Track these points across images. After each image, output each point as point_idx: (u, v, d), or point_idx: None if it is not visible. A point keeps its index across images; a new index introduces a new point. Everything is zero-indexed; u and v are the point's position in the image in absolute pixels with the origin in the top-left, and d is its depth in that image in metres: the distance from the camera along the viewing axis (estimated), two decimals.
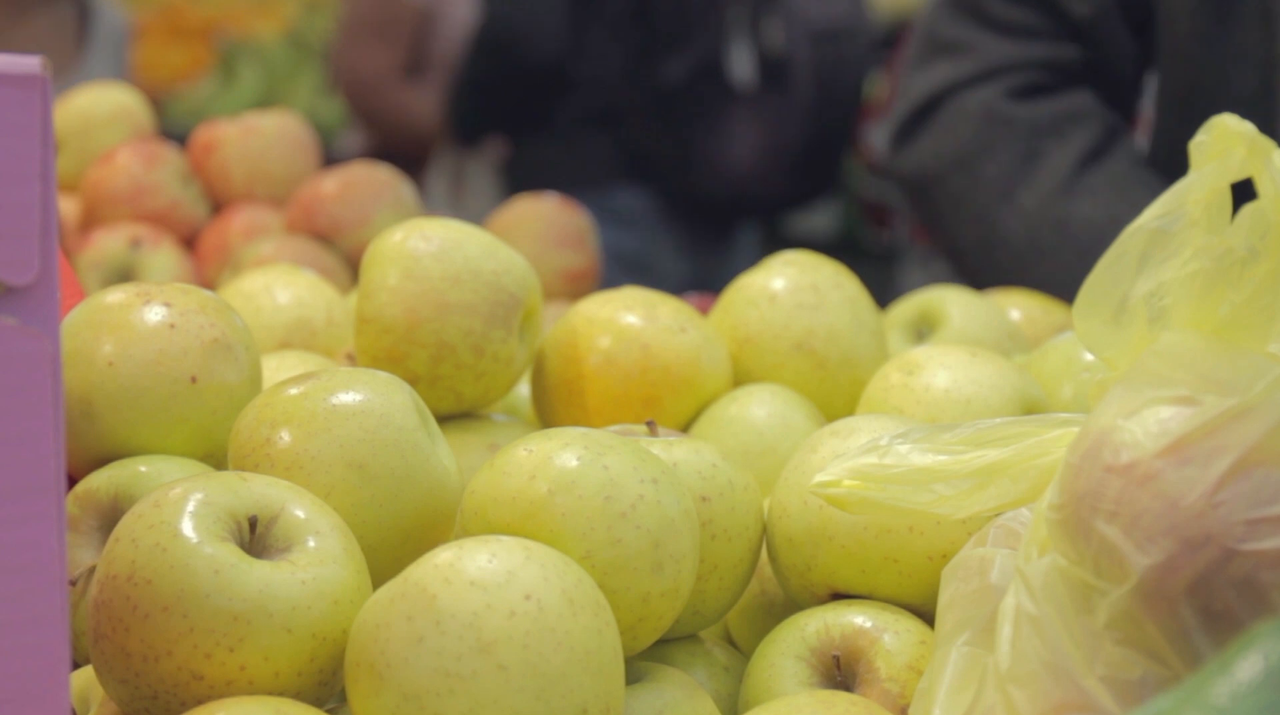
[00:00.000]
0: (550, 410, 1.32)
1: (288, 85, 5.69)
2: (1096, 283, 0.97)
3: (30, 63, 0.85)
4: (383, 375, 1.12)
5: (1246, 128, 0.93)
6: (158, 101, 5.39)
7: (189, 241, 1.90)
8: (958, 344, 1.36)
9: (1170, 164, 1.81)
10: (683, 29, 3.54)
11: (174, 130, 4.69)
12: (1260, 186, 0.92)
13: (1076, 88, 1.93)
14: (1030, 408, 1.24)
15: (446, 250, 1.26)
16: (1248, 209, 0.93)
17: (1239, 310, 0.93)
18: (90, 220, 1.90)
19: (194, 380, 1.16)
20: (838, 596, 1.11)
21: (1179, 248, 0.94)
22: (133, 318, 1.17)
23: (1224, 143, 0.93)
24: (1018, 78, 1.93)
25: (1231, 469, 0.88)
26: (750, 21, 3.62)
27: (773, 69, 3.61)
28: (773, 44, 3.62)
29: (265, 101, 5.58)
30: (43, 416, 0.85)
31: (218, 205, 1.95)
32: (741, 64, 3.57)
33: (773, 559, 1.14)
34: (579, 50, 3.53)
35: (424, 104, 4.06)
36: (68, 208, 1.94)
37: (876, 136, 4.25)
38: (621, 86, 3.52)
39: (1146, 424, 0.91)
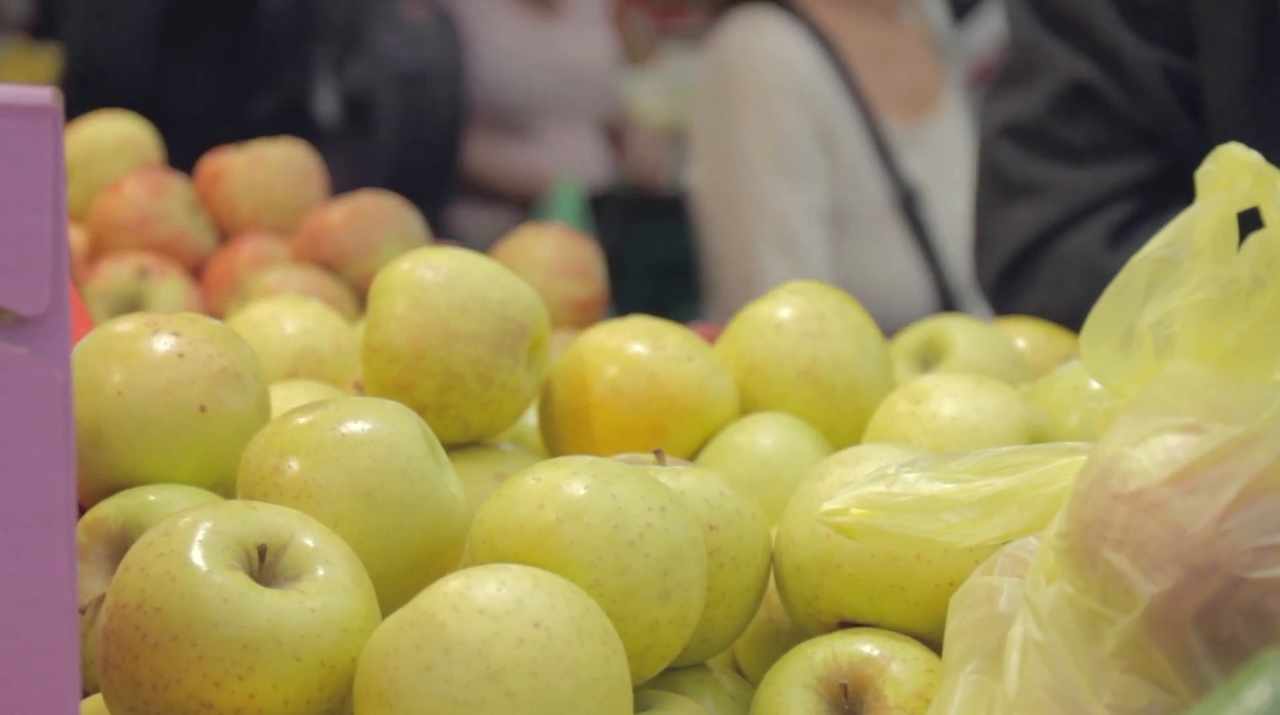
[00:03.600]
0: (557, 439, 1.32)
1: None
2: (1103, 311, 0.97)
3: (41, 93, 0.85)
4: (391, 404, 1.13)
5: (1252, 157, 0.93)
6: None
7: (196, 271, 1.91)
8: (964, 373, 1.36)
9: None
10: (273, 68, 3.56)
11: None
12: (1266, 215, 0.93)
13: (1169, 209, 1.87)
14: (1036, 436, 1.25)
15: (453, 279, 1.27)
16: (1254, 238, 0.93)
17: (1245, 339, 0.93)
18: (97, 250, 1.91)
19: (203, 409, 1.16)
20: (845, 624, 1.11)
21: (1185, 276, 0.94)
22: (142, 347, 1.17)
23: (1230, 172, 0.94)
24: (1109, 215, 1.86)
25: (1238, 497, 0.89)
26: (335, 62, 3.65)
27: (357, 110, 3.64)
28: (355, 85, 3.64)
29: None
30: (53, 446, 0.85)
31: (224, 235, 1.96)
32: (325, 103, 3.59)
33: (780, 587, 1.14)
34: (176, 88, 3.53)
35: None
36: (74, 237, 1.94)
37: None
38: (211, 125, 3.53)
39: (1153, 452, 0.91)
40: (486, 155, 4.08)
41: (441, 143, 3.71)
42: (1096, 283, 1.84)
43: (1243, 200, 0.93)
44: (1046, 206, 1.87)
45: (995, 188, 1.92)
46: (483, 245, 2.66)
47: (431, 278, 1.27)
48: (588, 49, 4.19)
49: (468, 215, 4.10)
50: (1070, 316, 1.72)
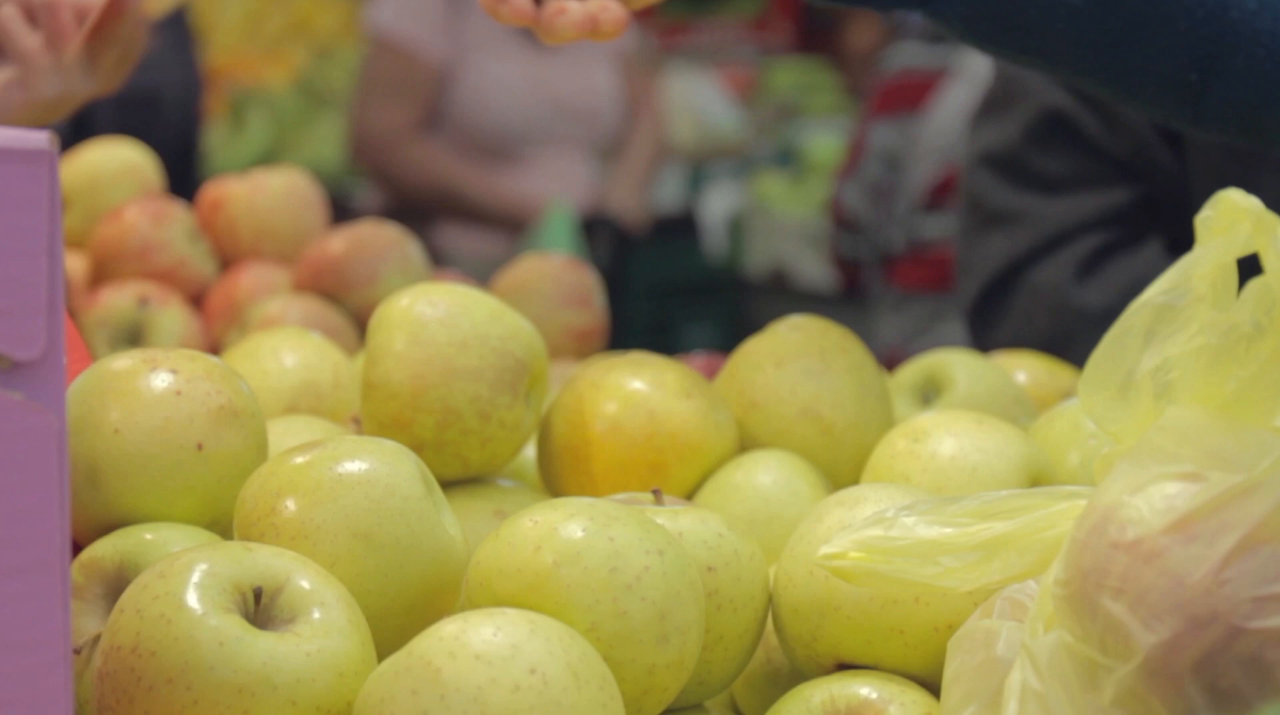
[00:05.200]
0: (556, 476, 1.32)
1: (297, 134, 5.70)
2: (1103, 357, 0.97)
3: (38, 137, 0.85)
4: (389, 444, 1.12)
5: (1252, 203, 0.93)
6: None
7: (196, 299, 1.90)
8: (964, 409, 1.36)
9: None
10: None
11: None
12: (1266, 262, 0.92)
13: (1142, 241, 1.85)
14: (1037, 475, 1.24)
15: (453, 316, 1.26)
16: (1253, 284, 0.93)
17: (1245, 386, 0.93)
18: (98, 277, 1.90)
19: (200, 447, 1.16)
20: (843, 667, 1.10)
21: (1185, 323, 0.94)
22: (139, 384, 1.17)
23: (1230, 218, 0.93)
24: (1080, 245, 1.86)
25: (1237, 546, 0.88)
26: None
27: (79, 128, 3.65)
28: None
29: (274, 150, 5.59)
30: (48, 491, 0.85)
31: (226, 262, 1.95)
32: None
33: (778, 629, 1.13)
34: None
35: (436, 161, 4.07)
36: (75, 265, 1.94)
37: (845, 194, 4.27)
38: None
39: (1152, 500, 0.91)
40: (477, 178, 4.07)
41: (171, 163, 3.76)
42: (1064, 316, 1.86)
43: (1242, 246, 0.93)
44: (1018, 236, 1.88)
45: (973, 216, 1.94)
46: (474, 267, 2.62)
47: (431, 314, 1.26)
48: (586, 83, 4.18)
49: (459, 237, 4.08)
50: (1041, 348, 1.73)
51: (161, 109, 3.67)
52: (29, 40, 1.59)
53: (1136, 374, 0.95)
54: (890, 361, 1.54)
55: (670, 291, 4.92)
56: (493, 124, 4.08)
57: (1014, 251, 1.89)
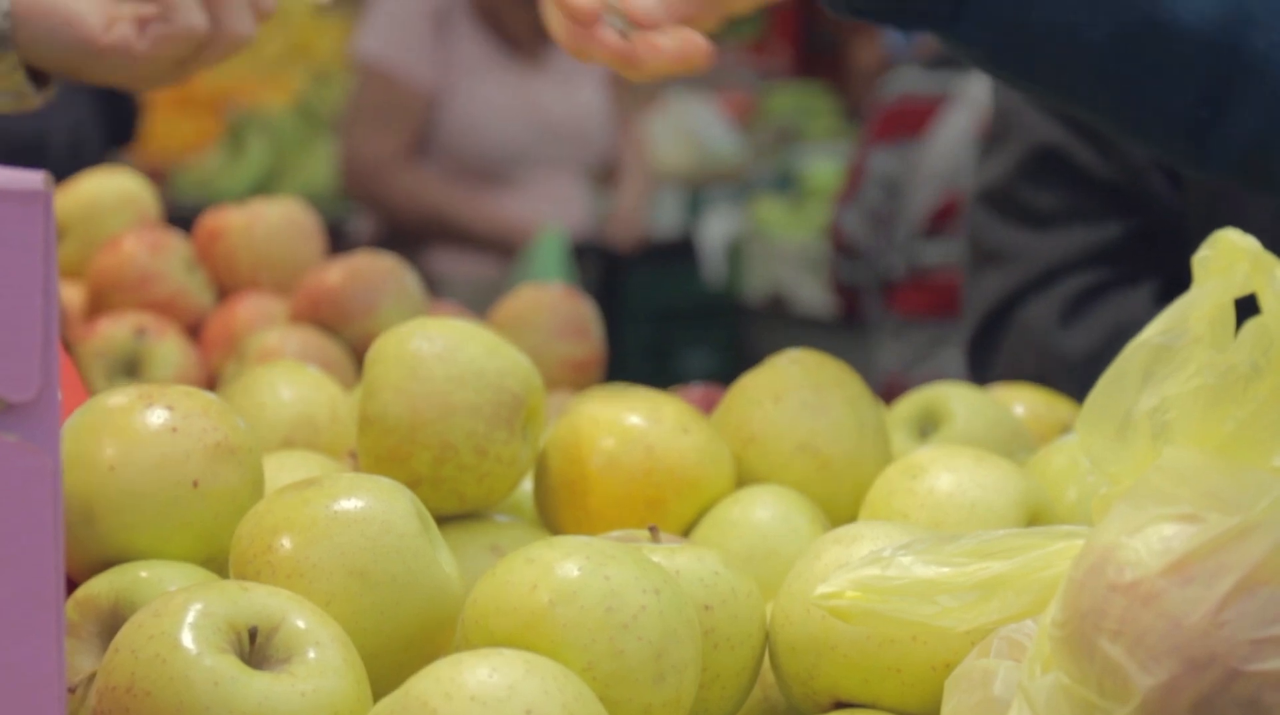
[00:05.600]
0: (553, 511, 1.32)
1: (296, 157, 5.71)
2: (1100, 398, 0.96)
3: (33, 178, 0.85)
4: (385, 481, 1.12)
5: (1250, 243, 0.93)
6: (166, 173, 5.41)
7: (194, 330, 1.90)
8: (961, 443, 1.35)
9: None
10: None
11: (182, 202, 4.64)
12: (1263, 302, 0.92)
13: (1135, 279, 1.86)
14: (1035, 511, 1.24)
15: (450, 350, 1.26)
16: (1251, 325, 0.92)
17: (1243, 426, 0.92)
18: (95, 308, 1.90)
19: (196, 484, 1.15)
20: (841, 705, 1.10)
21: (1182, 363, 0.94)
22: (134, 421, 1.16)
23: (1227, 258, 0.93)
24: (1069, 284, 1.87)
25: (1235, 588, 0.88)
26: None
27: None
28: None
29: (273, 173, 5.59)
30: (43, 533, 0.85)
31: (223, 292, 1.95)
32: None
33: (775, 667, 1.13)
34: None
35: (427, 187, 4.06)
36: (72, 295, 1.94)
37: (845, 220, 4.28)
38: None
39: (1150, 542, 0.90)
40: (468, 203, 4.07)
41: None
42: (1048, 360, 1.87)
43: (1240, 287, 0.93)
44: (1009, 273, 1.89)
45: (972, 252, 1.95)
46: (467, 292, 2.61)
47: (428, 349, 1.26)
48: (572, 102, 4.17)
49: (451, 262, 4.08)
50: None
51: (47, 155, 3.61)
52: None
53: (1134, 414, 0.95)
54: (890, 389, 1.54)
55: (669, 316, 4.93)
56: (482, 148, 4.08)
57: (1005, 289, 1.90)
